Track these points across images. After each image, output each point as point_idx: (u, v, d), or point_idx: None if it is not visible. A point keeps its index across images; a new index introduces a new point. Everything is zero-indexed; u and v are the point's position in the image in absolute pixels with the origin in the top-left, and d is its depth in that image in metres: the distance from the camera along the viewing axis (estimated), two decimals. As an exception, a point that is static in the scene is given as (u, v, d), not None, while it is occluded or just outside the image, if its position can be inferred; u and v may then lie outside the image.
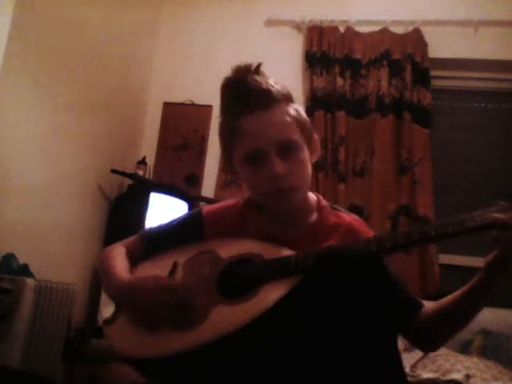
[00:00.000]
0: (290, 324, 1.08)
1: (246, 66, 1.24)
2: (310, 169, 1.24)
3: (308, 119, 1.27)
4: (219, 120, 1.29)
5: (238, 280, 1.18)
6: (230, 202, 1.37)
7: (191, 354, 1.08)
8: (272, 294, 1.09)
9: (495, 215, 1.04)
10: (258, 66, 1.24)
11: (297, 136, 1.20)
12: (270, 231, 1.25)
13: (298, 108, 1.25)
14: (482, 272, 1.12)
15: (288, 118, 1.20)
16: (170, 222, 1.39)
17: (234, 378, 1.08)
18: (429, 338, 1.23)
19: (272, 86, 1.21)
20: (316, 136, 1.29)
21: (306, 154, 1.22)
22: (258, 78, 1.22)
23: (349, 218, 1.30)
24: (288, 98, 1.23)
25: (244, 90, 1.21)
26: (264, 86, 1.20)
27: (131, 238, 1.39)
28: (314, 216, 1.29)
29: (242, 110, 1.20)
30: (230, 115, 1.24)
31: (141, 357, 1.14)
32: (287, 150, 1.19)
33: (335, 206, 1.35)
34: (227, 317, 1.10)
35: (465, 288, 1.16)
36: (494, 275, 1.10)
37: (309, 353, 1.05)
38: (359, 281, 1.10)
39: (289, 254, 1.17)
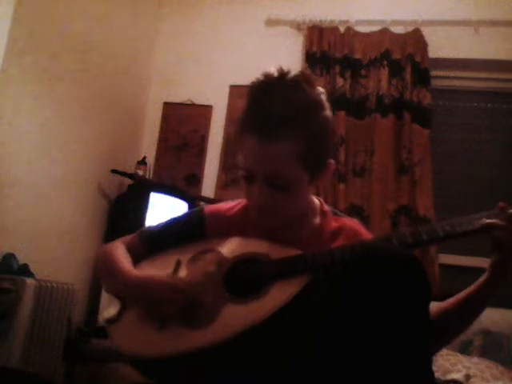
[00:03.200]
0: (303, 323, 1.07)
1: (275, 76, 1.15)
2: (304, 199, 1.24)
3: (326, 142, 1.20)
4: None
5: (246, 279, 1.18)
6: (231, 202, 1.37)
7: (203, 354, 1.07)
8: (283, 292, 1.09)
9: (488, 220, 1.06)
10: (286, 75, 1.15)
11: (293, 171, 1.15)
12: (271, 233, 1.25)
13: (315, 131, 1.15)
14: (487, 273, 1.13)
15: (288, 154, 1.13)
16: (170, 221, 1.38)
17: (249, 374, 1.07)
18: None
19: (290, 111, 1.12)
20: (331, 161, 1.22)
21: (299, 188, 1.18)
22: (282, 95, 1.13)
23: (349, 222, 1.32)
24: (302, 123, 1.13)
25: (259, 110, 1.14)
26: (280, 112, 1.11)
27: (129, 236, 1.39)
28: (317, 219, 1.29)
29: (248, 127, 1.15)
30: (241, 123, 1.19)
31: (154, 356, 1.12)
32: (276, 183, 1.16)
33: (336, 211, 1.36)
34: (239, 316, 1.09)
35: (469, 289, 1.16)
36: (498, 275, 1.11)
37: (325, 350, 1.02)
38: (372, 279, 1.03)
39: (296, 253, 1.17)
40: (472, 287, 1.15)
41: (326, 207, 1.32)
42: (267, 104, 1.13)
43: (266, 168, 1.15)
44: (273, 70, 1.16)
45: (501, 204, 1.10)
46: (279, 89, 1.14)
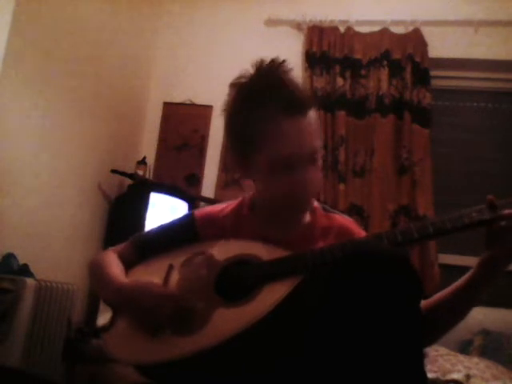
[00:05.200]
0: (294, 324, 1.06)
1: (273, 62, 1.20)
2: None
3: None
4: (233, 118, 1.22)
5: (236, 282, 1.17)
6: (221, 204, 1.37)
7: (196, 359, 1.06)
8: (274, 294, 1.09)
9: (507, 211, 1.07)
10: (283, 62, 1.20)
11: (320, 143, 1.22)
12: (264, 232, 1.25)
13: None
14: (474, 268, 1.12)
15: (316, 125, 1.20)
16: (162, 227, 1.38)
17: (242, 377, 1.07)
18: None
19: (305, 88, 1.21)
20: None
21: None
22: (288, 76, 1.19)
23: (341, 219, 1.31)
24: (314, 101, 1.22)
25: (285, 91, 1.16)
26: (302, 89, 1.19)
27: (122, 245, 1.39)
28: (307, 217, 1.29)
29: (281, 112, 1.15)
30: (259, 115, 1.16)
31: (147, 363, 1.12)
32: (316, 157, 1.19)
33: (327, 207, 1.35)
34: (230, 319, 1.09)
35: (455, 285, 1.15)
36: (487, 273, 1.10)
37: (317, 350, 1.02)
38: (361, 278, 1.02)
39: (286, 254, 1.16)
40: (460, 282, 1.14)
41: (316, 204, 1.32)
42: (292, 86, 1.17)
43: (312, 143, 1.18)
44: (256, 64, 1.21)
45: (489, 197, 1.10)
46: (284, 72, 1.19)
